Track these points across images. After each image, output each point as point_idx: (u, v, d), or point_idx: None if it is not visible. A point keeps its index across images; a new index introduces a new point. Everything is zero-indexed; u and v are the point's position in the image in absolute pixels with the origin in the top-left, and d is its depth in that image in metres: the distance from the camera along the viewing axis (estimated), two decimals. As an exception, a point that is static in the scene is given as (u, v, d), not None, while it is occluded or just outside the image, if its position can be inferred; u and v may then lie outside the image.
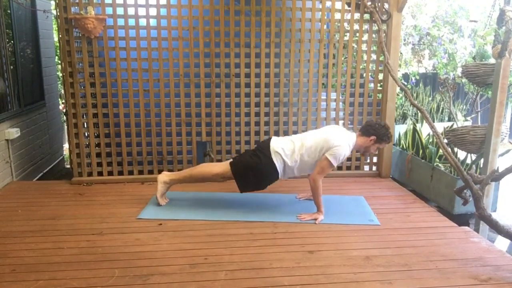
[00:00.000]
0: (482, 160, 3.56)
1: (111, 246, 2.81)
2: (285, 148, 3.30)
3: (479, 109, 4.39)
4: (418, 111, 5.18)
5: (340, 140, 3.24)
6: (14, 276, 2.42)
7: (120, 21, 4.04)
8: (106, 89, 4.12)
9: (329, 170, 3.26)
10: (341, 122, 4.51)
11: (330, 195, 3.79)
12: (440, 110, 6.30)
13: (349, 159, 4.55)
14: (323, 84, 4.41)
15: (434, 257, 2.71)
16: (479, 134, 3.57)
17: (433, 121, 5.19)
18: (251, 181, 3.35)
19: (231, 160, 3.45)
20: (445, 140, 3.79)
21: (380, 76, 4.45)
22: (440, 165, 4.15)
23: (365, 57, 4.49)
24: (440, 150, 3.98)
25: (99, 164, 4.26)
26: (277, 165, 3.28)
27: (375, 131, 3.32)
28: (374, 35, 4.36)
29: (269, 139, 3.42)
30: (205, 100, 4.26)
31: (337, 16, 4.33)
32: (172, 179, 3.52)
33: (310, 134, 3.41)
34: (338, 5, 4.27)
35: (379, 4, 4.23)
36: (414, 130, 4.60)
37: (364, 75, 4.48)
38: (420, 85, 7.15)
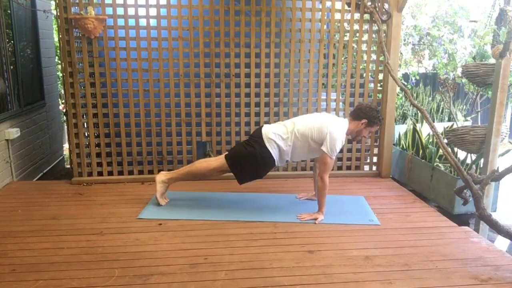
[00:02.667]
0: (482, 160, 3.56)
1: (111, 246, 2.81)
2: (278, 133, 3.30)
3: (479, 109, 4.39)
4: (418, 111, 5.18)
5: (333, 128, 3.21)
6: (14, 276, 2.42)
7: (120, 21, 4.04)
8: (106, 89, 4.12)
9: (332, 163, 3.25)
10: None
11: (330, 195, 3.75)
12: (440, 110, 6.30)
13: (349, 159, 4.55)
14: (323, 84, 4.41)
15: (434, 257, 2.71)
16: (479, 134, 3.57)
17: (433, 121, 5.19)
18: (248, 171, 3.35)
19: (226, 153, 3.45)
20: (445, 140, 3.79)
21: (380, 76, 4.45)
22: (440, 165, 4.15)
23: (365, 57, 4.49)
24: (440, 150, 3.99)
25: (99, 164, 4.26)
26: (271, 151, 3.28)
27: (365, 114, 3.30)
28: (374, 35, 4.36)
29: (261, 127, 3.42)
30: (205, 100, 4.26)
31: (337, 16, 4.33)
32: (170, 178, 3.52)
33: (302, 119, 3.39)
34: (338, 5, 4.27)
35: (379, 4, 4.23)
36: (414, 130, 4.60)
37: (364, 75, 4.48)
38: (420, 85, 7.16)
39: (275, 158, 3.31)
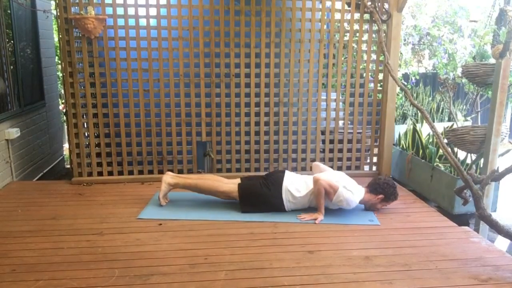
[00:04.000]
0: (482, 160, 3.56)
1: (111, 246, 2.81)
2: (298, 188, 3.35)
3: (479, 109, 4.39)
4: (418, 111, 5.18)
5: (353, 189, 3.29)
6: (14, 276, 2.41)
7: (120, 21, 4.04)
8: (106, 89, 4.12)
9: (331, 193, 3.23)
10: (341, 122, 4.51)
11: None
12: (440, 110, 6.30)
13: (349, 159, 4.56)
14: (323, 84, 4.41)
15: (434, 257, 2.71)
16: (479, 134, 3.56)
17: (433, 121, 5.19)
18: (255, 206, 3.39)
19: (239, 182, 3.46)
20: (445, 140, 3.79)
21: (380, 76, 4.45)
22: (440, 165, 4.14)
23: (365, 57, 4.49)
24: (440, 150, 3.98)
25: (99, 164, 4.26)
26: (284, 200, 3.35)
27: (383, 190, 3.38)
28: (374, 35, 4.36)
29: (283, 173, 3.44)
30: (205, 100, 4.26)
31: (337, 16, 4.33)
32: (177, 183, 3.52)
33: (324, 175, 3.37)
34: (338, 5, 4.27)
35: (379, 4, 4.23)
36: (414, 130, 4.60)
37: (364, 75, 4.48)
38: (420, 85, 7.16)
39: (285, 206, 3.37)
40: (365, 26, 4.34)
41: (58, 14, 3.92)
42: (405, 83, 6.53)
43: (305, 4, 4.19)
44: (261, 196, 3.35)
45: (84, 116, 4.16)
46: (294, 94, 4.36)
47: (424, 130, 4.68)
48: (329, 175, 3.39)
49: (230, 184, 3.45)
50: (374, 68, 4.43)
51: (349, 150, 4.55)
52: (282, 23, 4.19)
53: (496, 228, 2.68)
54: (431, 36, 6.68)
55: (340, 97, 4.45)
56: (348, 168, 4.57)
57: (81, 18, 3.84)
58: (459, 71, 6.05)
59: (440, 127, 4.46)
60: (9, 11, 4.33)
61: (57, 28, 4.74)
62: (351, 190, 3.27)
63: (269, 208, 3.38)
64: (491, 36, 4.05)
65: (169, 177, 3.53)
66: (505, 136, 3.65)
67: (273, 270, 2.51)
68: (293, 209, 3.41)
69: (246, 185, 3.42)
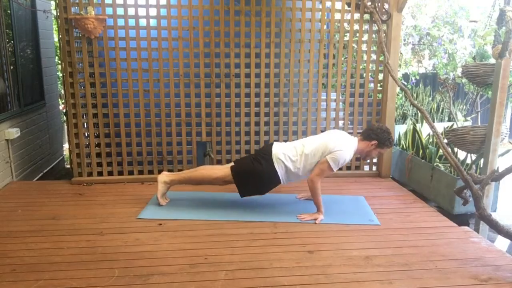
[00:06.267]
0: (482, 160, 3.56)
1: (111, 246, 2.81)
2: (287, 154, 3.30)
3: (479, 109, 4.39)
4: (418, 111, 5.18)
5: (342, 144, 3.23)
6: (14, 276, 2.42)
7: (120, 21, 4.04)
8: (106, 89, 4.12)
9: (328, 172, 3.25)
10: (341, 122, 4.51)
11: (330, 195, 3.79)
12: (440, 110, 6.30)
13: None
14: (323, 84, 4.41)
15: (434, 257, 2.71)
16: (479, 134, 3.57)
17: (433, 121, 5.19)
18: (252, 186, 3.36)
19: (232, 164, 3.44)
20: (445, 140, 3.79)
21: (380, 76, 4.45)
22: (440, 165, 4.15)
23: (365, 57, 4.49)
24: (440, 150, 3.99)
25: (99, 164, 4.26)
26: (278, 171, 3.28)
27: (376, 135, 3.31)
28: (374, 35, 4.36)
29: (271, 144, 3.41)
30: (205, 100, 4.26)
31: (337, 16, 4.33)
32: (172, 180, 3.52)
33: (311, 139, 3.41)
34: (338, 5, 4.27)
35: (379, 4, 4.23)
36: (414, 130, 4.60)
37: (364, 75, 4.48)
38: (420, 85, 7.16)
39: (281, 178, 3.32)
40: (365, 26, 4.34)
41: (58, 14, 3.93)
42: (405, 83, 6.53)
43: (305, 4, 4.19)
44: (254, 172, 3.29)
45: (84, 116, 4.17)
46: (294, 94, 4.36)
47: (424, 130, 4.68)
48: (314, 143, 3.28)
49: (223, 169, 3.43)
50: (374, 68, 4.43)
51: (349, 150, 4.54)
52: (282, 23, 4.19)
53: (496, 228, 2.68)
54: (431, 36, 6.68)
55: (340, 97, 4.45)
56: (348, 168, 4.57)
57: (81, 18, 3.84)
58: (459, 71, 6.05)
59: (440, 127, 4.47)
60: (9, 11, 4.33)
61: (57, 28, 4.74)
62: (340, 148, 3.18)
63: (266, 183, 3.34)
64: (493, 37, 4.04)
65: (164, 176, 3.53)
66: (505, 136, 3.65)
67: (273, 270, 2.51)
68: (289, 181, 3.37)
69: (238, 166, 3.38)
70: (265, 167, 3.28)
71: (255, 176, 3.31)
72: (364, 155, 3.44)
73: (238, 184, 3.36)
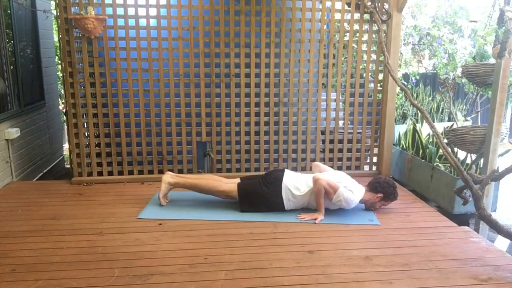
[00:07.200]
0: (482, 160, 3.56)
1: (111, 246, 2.81)
2: (298, 186, 3.35)
3: (479, 109, 4.39)
4: (418, 111, 5.18)
5: (354, 189, 3.29)
6: (14, 276, 2.42)
7: (120, 21, 4.04)
8: (106, 89, 4.12)
9: (331, 192, 3.22)
10: (341, 122, 4.51)
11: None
12: (440, 110, 6.30)
13: (349, 159, 4.56)
14: (323, 84, 4.41)
15: (434, 257, 2.71)
16: (479, 134, 3.56)
17: (433, 121, 5.19)
18: (255, 206, 3.39)
19: (239, 182, 3.46)
20: (445, 140, 3.79)
21: (380, 76, 4.45)
22: (440, 165, 4.14)
23: (365, 57, 4.49)
24: (440, 150, 3.98)
25: (99, 164, 4.26)
26: (284, 199, 3.34)
27: (382, 189, 3.39)
28: (374, 35, 4.36)
29: (282, 171, 3.44)
30: (205, 100, 4.26)
31: (337, 16, 4.33)
32: (177, 182, 3.52)
33: (325, 175, 3.37)
34: (338, 5, 4.27)
35: (379, 4, 4.23)
36: (414, 130, 4.60)
37: (364, 75, 4.48)
38: (420, 85, 7.16)
39: (285, 205, 3.37)
40: (365, 26, 4.34)
41: (58, 14, 3.93)
42: (405, 83, 6.52)
43: (305, 4, 4.19)
44: (260, 195, 3.35)
45: (84, 116, 4.17)
46: (294, 94, 4.36)
47: (424, 130, 4.68)
48: (329, 175, 3.39)
49: (229, 184, 3.45)
50: (374, 68, 4.43)
51: (349, 150, 4.55)
52: (282, 23, 4.19)
53: (496, 228, 2.68)
54: (431, 36, 6.68)
55: (340, 97, 4.45)
56: (348, 168, 4.57)
57: (81, 18, 3.84)
58: (459, 71, 6.04)
59: (440, 127, 4.46)
60: (9, 11, 4.33)
61: (57, 28, 4.74)
62: (352, 189, 3.27)
63: (269, 207, 3.37)
64: (493, 37, 4.04)
65: (169, 177, 3.53)
66: (505, 136, 3.65)
67: (273, 270, 2.51)
68: (292, 208, 3.40)
69: (245, 185, 3.42)
70: (273, 192, 3.34)
71: (260, 197, 3.36)
72: (368, 206, 3.49)
73: (242, 201, 3.40)
